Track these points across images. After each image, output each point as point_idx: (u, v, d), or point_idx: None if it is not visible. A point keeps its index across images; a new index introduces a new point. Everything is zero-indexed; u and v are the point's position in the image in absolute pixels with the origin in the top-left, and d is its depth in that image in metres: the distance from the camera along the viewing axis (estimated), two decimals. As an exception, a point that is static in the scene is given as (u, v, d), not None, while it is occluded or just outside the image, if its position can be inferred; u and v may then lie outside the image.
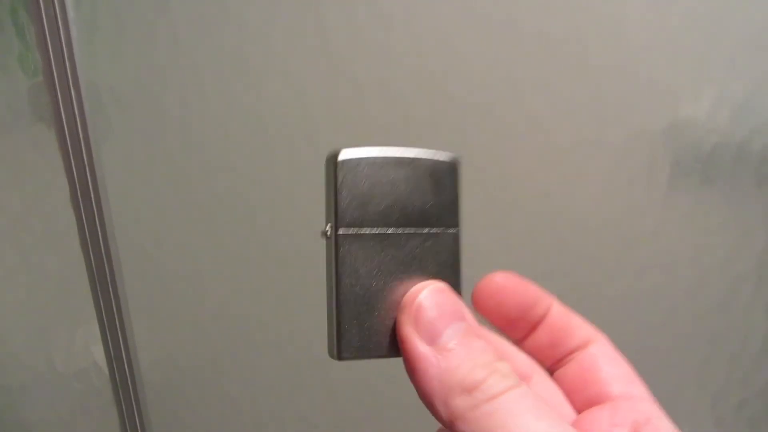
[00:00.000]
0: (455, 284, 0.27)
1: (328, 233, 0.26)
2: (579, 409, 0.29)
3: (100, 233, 0.71)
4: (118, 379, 0.80)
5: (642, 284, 0.61)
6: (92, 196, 0.69)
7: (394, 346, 0.26)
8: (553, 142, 0.58)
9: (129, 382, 0.80)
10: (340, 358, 0.25)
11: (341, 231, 0.26)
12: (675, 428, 0.26)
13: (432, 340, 0.24)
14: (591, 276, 0.62)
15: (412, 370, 0.24)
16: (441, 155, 0.28)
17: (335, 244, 0.26)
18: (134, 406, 0.82)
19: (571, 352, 0.30)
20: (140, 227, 0.72)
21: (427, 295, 0.25)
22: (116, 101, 0.67)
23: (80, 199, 0.70)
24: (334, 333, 0.26)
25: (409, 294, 0.25)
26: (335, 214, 0.26)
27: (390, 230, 0.26)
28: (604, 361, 0.30)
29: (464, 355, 0.23)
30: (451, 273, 0.27)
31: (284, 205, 0.67)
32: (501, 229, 0.62)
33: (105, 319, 0.76)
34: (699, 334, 0.63)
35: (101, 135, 0.68)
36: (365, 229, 0.26)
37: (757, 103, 0.54)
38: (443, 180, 0.27)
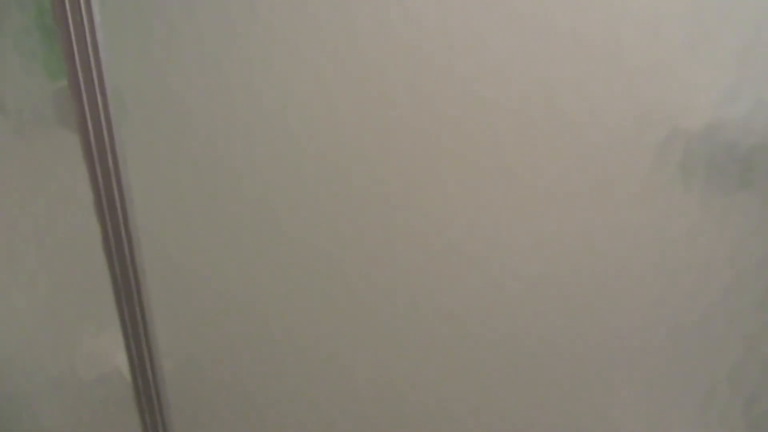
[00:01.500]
0: None
1: None
2: None
3: (124, 239, 0.70)
4: (140, 384, 0.79)
5: (677, 286, 0.61)
6: (117, 201, 0.69)
7: None
8: (587, 142, 0.58)
9: (152, 388, 0.79)
10: None
11: None
12: None
13: None
14: (626, 278, 0.61)
15: None
16: None
17: None
18: (157, 412, 0.81)
19: None
20: (165, 233, 0.71)
21: None
22: (142, 105, 0.66)
23: (105, 205, 0.69)
24: None
25: None
26: None
27: None
28: None
29: None
30: None
31: (309, 209, 0.67)
32: (534, 230, 0.62)
33: (128, 325, 0.75)
34: (733, 336, 0.62)
35: (127, 139, 0.68)
36: None
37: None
38: None
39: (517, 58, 0.56)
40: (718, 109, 0.55)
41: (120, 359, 0.78)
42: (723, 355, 0.63)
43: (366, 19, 0.58)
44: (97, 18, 0.63)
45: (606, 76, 0.55)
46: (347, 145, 0.63)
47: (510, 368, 0.68)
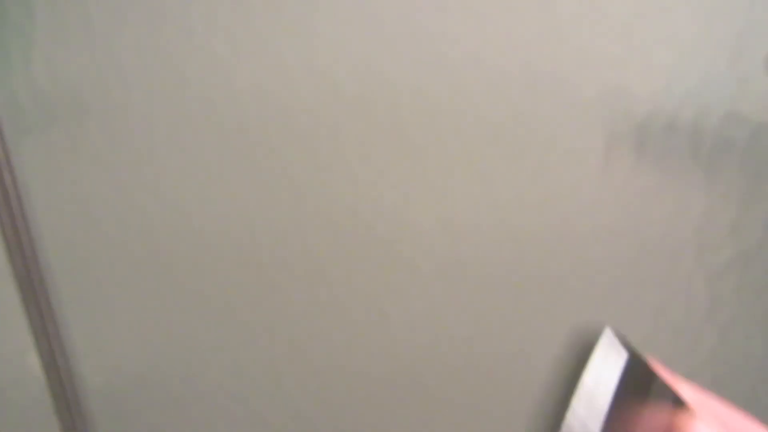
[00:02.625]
0: None
1: None
2: None
3: (24, 235, 0.68)
4: (56, 385, 0.76)
5: (581, 259, 0.61)
6: (13, 196, 0.66)
7: None
8: (483, 117, 0.57)
9: (68, 389, 0.77)
10: None
11: None
12: None
13: None
14: (530, 253, 0.61)
15: None
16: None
17: None
18: (75, 412, 0.78)
19: None
20: (67, 226, 0.69)
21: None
22: (32, 95, 0.63)
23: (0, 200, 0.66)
24: None
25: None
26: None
27: None
28: None
29: None
30: None
31: (216, 197, 0.65)
32: (436, 209, 0.61)
33: (37, 325, 0.73)
34: (642, 306, 0.62)
35: (19, 131, 0.65)
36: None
37: (688, 70, 0.53)
38: None
39: (411, 34, 0.55)
40: (613, 78, 0.54)
41: (33, 361, 0.75)
42: (633, 326, 0.63)
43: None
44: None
45: (500, 49, 0.55)
46: (248, 129, 0.62)
47: (423, 352, 0.68)
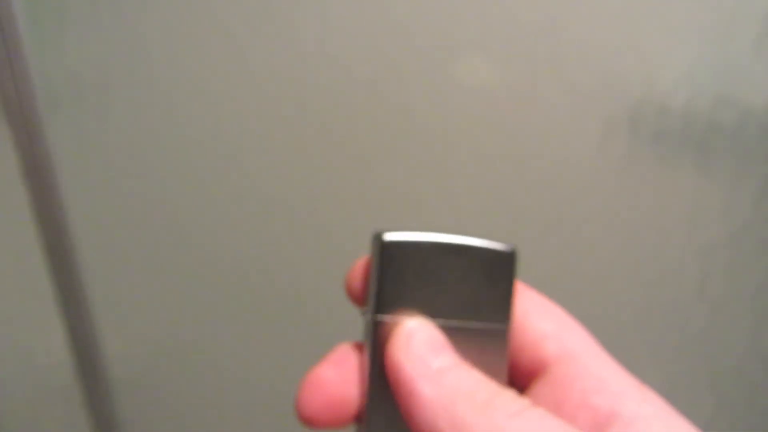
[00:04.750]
0: (501, 382, 0.25)
1: (367, 316, 0.25)
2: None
3: (54, 204, 0.71)
4: (79, 354, 0.80)
5: (578, 238, 0.64)
6: (44, 167, 0.70)
7: None
8: (485, 100, 0.60)
9: (92, 364, 0.80)
10: None
11: (380, 318, 0.25)
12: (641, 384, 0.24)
13: (425, 365, 0.22)
14: (526, 232, 0.64)
15: (408, 396, 0.22)
16: (497, 245, 0.26)
17: (373, 331, 0.25)
18: (100, 381, 0.82)
19: None
20: (95, 196, 0.72)
21: (417, 327, 0.24)
22: (64, 73, 0.67)
23: (31, 177, 0.70)
24: (363, 415, 0.25)
25: (397, 328, 0.24)
26: (376, 299, 0.25)
27: (432, 321, 0.25)
28: (535, 316, 0.26)
29: (464, 376, 0.22)
30: (496, 370, 0.25)
31: (237, 171, 0.68)
32: (435, 183, 0.64)
33: (63, 293, 0.76)
34: (634, 283, 0.65)
35: (52, 106, 0.69)
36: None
37: (679, 55, 0.56)
38: (497, 272, 0.26)
39: (415, 16, 0.58)
40: (606, 62, 0.57)
41: (57, 327, 0.79)
42: (626, 304, 0.66)
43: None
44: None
45: (503, 33, 0.58)
46: (271, 112, 0.65)
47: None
